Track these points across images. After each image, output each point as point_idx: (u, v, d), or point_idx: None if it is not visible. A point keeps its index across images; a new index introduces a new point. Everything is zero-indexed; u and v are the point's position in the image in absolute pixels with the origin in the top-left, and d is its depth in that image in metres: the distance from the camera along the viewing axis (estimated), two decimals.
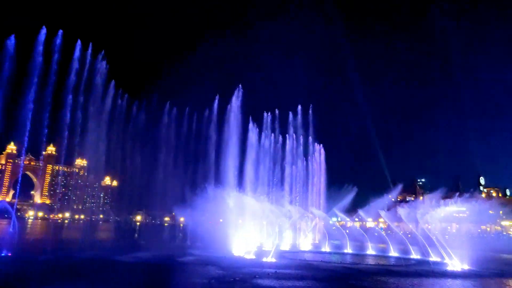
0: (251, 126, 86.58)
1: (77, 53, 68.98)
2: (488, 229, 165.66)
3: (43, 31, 61.47)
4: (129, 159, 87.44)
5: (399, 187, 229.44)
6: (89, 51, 71.15)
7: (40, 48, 60.47)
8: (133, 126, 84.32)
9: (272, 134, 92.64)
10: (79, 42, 69.30)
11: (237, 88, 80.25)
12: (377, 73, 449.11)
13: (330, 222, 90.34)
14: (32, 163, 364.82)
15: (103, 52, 74.99)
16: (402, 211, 71.67)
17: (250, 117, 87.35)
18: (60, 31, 64.20)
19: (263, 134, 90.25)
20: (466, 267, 49.61)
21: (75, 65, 68.56)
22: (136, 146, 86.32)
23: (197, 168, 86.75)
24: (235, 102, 79.22)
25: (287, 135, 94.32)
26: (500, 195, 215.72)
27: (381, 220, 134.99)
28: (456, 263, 50.85)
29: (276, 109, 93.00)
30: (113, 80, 77.35)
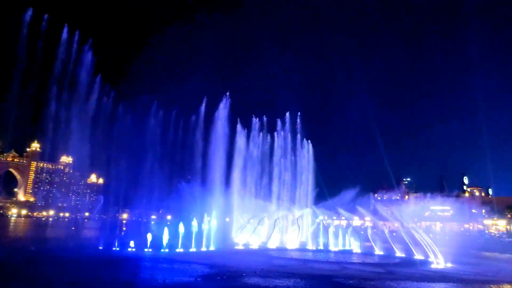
0: (239, 129, 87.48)
1: (64, 35, 66.99)
2: (471, 227, 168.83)
3: (29, 12, 59.64)
4: (115, 157, 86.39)
5: (402, 187, 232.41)
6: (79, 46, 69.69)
7: (25, 31, 58.59)
8: (120, 123, 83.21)
9: (260, 133, 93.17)
10: (66, 28, 67.55)
11: (225, 96, 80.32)
12: (363, 75, 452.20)
13: (317, 220, 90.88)
14: (15, 159, 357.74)
15: (90, 40, 73.20)
16: (380, 208, 73.40)
17: (238, 119, 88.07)
18: (46, 16, 62.52)
19: (251, 134, 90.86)
20: (449, 265, 50.54)
21: (61, 56, 66.98)
22: (122, 144, 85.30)
23: (183, 166, 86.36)
24: (223, 107, 79.20)
25: (275, 132, 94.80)
26: (483, 194, 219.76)
27: (367, 218, 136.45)
28: (440, 261, 51.79)
29: (267, 112, 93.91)
30: (100, 74, 75.79)
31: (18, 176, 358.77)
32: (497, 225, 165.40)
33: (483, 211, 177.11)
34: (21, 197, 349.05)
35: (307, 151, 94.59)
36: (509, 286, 37.48)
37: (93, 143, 77.02)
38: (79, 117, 72.55)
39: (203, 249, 61.85)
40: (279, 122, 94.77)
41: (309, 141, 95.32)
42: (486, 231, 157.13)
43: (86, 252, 50.54)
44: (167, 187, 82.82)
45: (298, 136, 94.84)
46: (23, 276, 33.76)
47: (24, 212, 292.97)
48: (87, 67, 72.44)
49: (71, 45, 69.62)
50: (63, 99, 71.65)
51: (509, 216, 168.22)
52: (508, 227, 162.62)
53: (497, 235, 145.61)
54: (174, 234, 57.88)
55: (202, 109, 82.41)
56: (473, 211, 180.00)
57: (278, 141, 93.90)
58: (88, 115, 74.48)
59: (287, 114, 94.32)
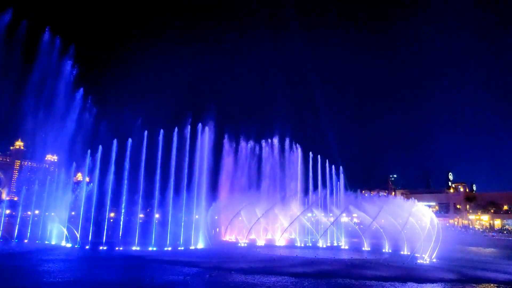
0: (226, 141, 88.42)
1: (46, 33, 65.99)
2: (456, 223, 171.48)
3: (8, 15, 58.86)
4: (101, 155, 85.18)
5: (389, 184, 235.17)
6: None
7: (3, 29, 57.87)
8: (105, 124, 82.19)
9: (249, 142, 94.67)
10: (47, 32, 66.71)
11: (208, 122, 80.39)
12: (346, 73, 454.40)
13: (308, 215, 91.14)
14: None
15: (73, 45, 72.42)
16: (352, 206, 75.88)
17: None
18: (24, 22, 61.85)
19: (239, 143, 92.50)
20: (435, 260, 51.38)
21: (43, 53, 65.91)
22: (108, 142, 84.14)
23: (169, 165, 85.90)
24: (208, 121, 79.14)
25: (262, 141, 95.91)
26: (467, 190, 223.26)
27: (355, 215, 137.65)
28: (426, 257, 52.58)
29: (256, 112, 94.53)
30: (82, 87, 75.56)
31: (1, 175, 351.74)
32: (481, 220, 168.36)
33: (467, 206, 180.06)
34: (4, 196, 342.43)
35: (296, 156, 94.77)
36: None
37: (78, 141, 76.21)
38: (63, 115, 71.68)
39: (192, 247, 61.88)
40: (267, 121, 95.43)
41: (297, 144, 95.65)
42: (471, 226, 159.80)
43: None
44: (155, 186, 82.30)
45: (287, 139, 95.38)
46: None
47: (8, 211, 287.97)
48: (69, 65, 71.79)
49: (53, 44, 68.71)
50: (47, 96, 70.70)
51: (492, 211, 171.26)
52: (491, 222, 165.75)
53: (481, 230, 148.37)
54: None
55: (187, 128, 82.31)
56: (458, 206, 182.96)
57: (266, 144, 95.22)
58: (72, 113, 73.64)
59: (276, 109, 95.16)
